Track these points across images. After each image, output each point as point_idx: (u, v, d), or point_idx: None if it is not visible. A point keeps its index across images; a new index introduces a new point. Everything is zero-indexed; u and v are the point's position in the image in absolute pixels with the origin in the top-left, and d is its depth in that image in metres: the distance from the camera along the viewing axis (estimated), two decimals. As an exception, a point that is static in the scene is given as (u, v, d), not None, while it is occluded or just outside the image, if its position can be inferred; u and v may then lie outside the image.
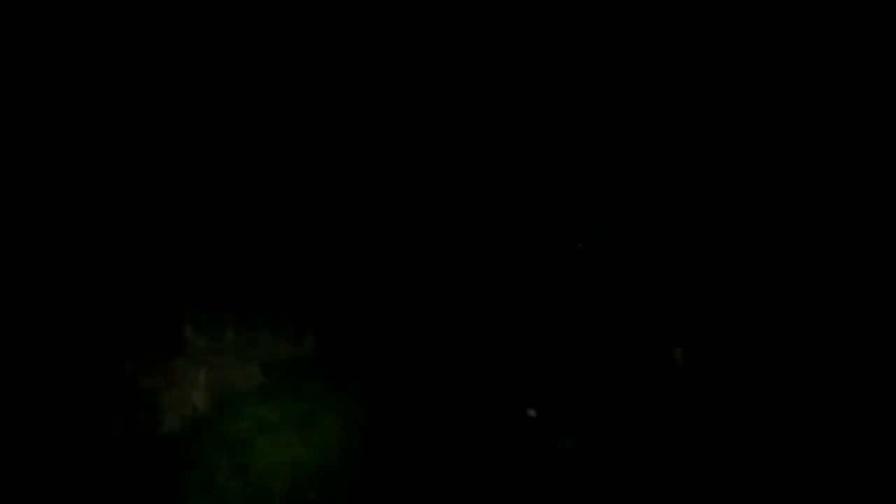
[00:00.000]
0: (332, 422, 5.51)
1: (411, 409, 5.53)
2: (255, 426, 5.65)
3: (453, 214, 5.75)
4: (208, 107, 5.88)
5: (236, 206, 5.79)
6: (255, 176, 5.84)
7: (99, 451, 5.43)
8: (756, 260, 5.45)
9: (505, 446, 5.40)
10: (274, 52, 5.88)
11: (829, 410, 5.17)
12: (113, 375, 5.47)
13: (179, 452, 5.55)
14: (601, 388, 5.42)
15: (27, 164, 5.75)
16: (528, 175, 5.74)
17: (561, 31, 5.78)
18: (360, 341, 5.68)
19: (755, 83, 5.64)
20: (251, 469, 5.55)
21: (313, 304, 5.74)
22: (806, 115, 5.58)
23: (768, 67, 5.63)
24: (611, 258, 5.60)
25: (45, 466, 5.27)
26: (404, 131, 5.83)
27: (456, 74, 5.81)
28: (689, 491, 5.15)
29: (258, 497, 5.48)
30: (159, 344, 5.61)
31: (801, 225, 5.47)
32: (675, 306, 5.48)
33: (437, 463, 5.41)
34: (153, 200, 5.79)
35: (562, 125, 5.74)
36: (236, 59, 5.87)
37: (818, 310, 5.32)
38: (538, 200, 5.72)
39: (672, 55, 5.64)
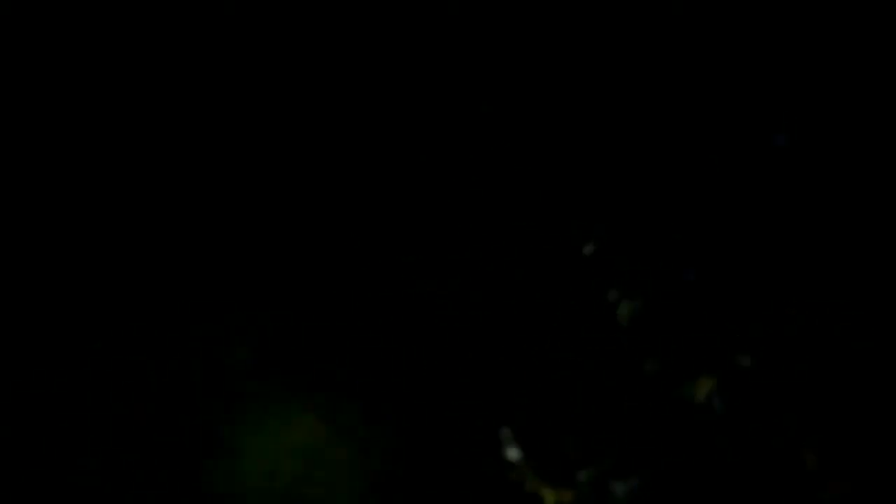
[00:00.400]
0: (302, 426, 5.29)
1: (398, 412, 5.44)
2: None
3: (453, 214, 5.73)
4: (202, 105, 5.88)
5: (223, 204, 5.76)
6: (244, 172, 5.82)
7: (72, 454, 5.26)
8: (768, 263, 5.43)
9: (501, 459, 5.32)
10: (271, 51, 5.90)
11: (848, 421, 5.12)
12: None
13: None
14: (603, 402, 5.34)
15: (21, 165, 5.74)
16: (528, 175, 5.73)
17: (561, 31, 5.80)
18: (338, 339, 5.58)
19: (754, 86, 5.65)
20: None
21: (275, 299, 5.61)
22: (805, 117, 5.60)
23: (768, 68, 5.64)
24: (612, 259, 5.59)
25: (38, 466, 5.17)
26: (404, 131, 5.83)
27: (456, 74, 5.82)
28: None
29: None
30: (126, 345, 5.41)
31: (809, 227, 5.47)
32: (679, 309, 5.45)
33: (427, 470, 5.32)
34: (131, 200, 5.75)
35: (562, 125, 5.75)
36: (233, 60, 5.88)
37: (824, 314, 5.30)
38: (538, 200, 5.71)
39: (675, 52, 5.66)
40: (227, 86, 5.74)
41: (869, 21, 5.46)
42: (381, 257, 5.67)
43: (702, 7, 5.63)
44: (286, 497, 5.22)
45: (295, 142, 5.81)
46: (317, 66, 5.83)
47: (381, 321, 5.48)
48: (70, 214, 5.62)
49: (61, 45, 5.89)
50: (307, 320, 5.55)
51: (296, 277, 5.61)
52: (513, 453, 5.06)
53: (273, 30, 5.88)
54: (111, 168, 5.69)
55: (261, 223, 5.82)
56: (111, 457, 5.30)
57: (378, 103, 5.83)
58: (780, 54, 5.53)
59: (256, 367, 5.51)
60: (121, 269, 5.52)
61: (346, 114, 5.78)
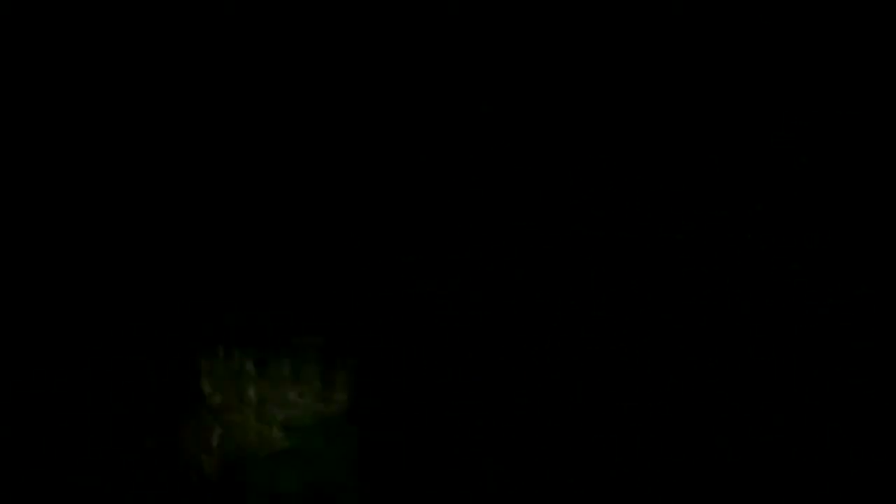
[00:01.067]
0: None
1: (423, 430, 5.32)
2: (267, 496, 5.13)
3: (453, 214, 5.73)
4: (202, 107, 5.87)
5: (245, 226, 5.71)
6: (244, 172, 5.80)
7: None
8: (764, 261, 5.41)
9: (507, 452, 5.31)
10: (273, 52, 5.89)
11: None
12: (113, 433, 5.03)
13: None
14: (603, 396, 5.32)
15: (22, 166, 5.73)
16: (529, 174, 5.72)
17: (561, 32, 5.79)
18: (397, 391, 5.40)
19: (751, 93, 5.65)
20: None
21: (347, 351, 5.40)
22: (803, 119, 5.59)
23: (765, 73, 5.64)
24: (611, 260, 5.58)
25: None
26: (404, 131, 5.82)
27: (456, 74, 5.81)
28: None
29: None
30: (169, 400, 5.09)
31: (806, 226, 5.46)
32: (679, 308, 5.44)
33: (439, 470, 5.30)
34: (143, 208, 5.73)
35: (562, 125, 5.74)
36: (236, 60, 5.87)
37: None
38: (538, 200, 5.70)
39: (675, 53, 5.65)
40: (227, 86, 5.73)
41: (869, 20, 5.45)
42: (382, 257, 5.67)
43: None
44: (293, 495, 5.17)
45: (295, 142, 5.81)
46: (317, 66, 5.82)
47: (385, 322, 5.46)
48: (70, 215, 5.61)
49: (61, 45, 5.88)
50: (308, 319, 5.53)
51: (297, 277, 5.60)
52: None
53: (273, 30, 5.88)
54: (113, 168, 5.69)
55: (262, 223, 5.81)
56: (111, 457, 5.27)
57: (378, 104, 5.82)
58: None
59: (258, 366, 5.48)
60: (122, 270, 5.51)
61: (347, 114, 5.77)
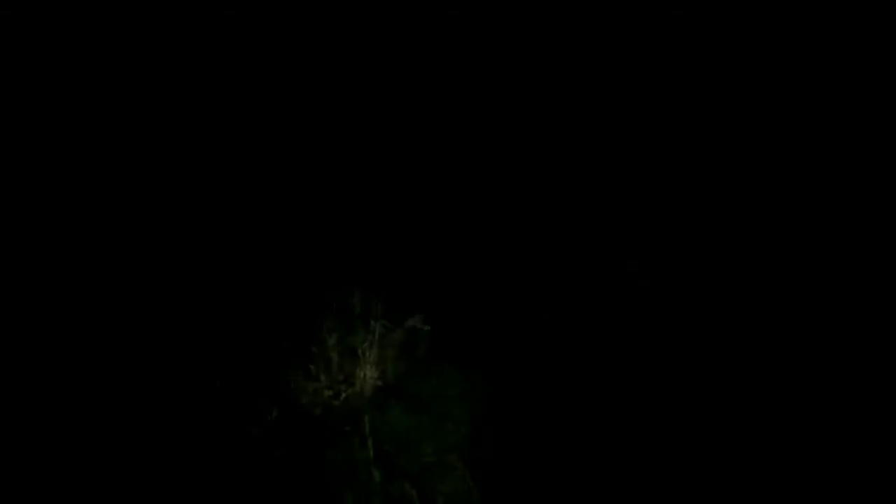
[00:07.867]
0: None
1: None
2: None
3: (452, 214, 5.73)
4: (206, 109, 5.88)
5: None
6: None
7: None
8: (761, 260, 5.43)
9: None
10: (272, 52, 5.88)
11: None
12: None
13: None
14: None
15: (28, 167, 5.75)
16: (529, 175, 5.74)
17: (561, 32, 5.78)
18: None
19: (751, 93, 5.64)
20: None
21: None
22: (802, 119, 5.60)
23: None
24: (609, 258, 5.61)
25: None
26: (404, 131, 5.83)
27: (456, 74, 5.81)
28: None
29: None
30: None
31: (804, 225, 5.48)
32: (681, 308, 5.46)
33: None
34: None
35: (563, 125, 5.76)
36: (238, 61, 5.86)
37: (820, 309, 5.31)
38: (539, 200, 5.73)
39: (675, 55, 5.64)
40: (239, 88, 5.71)
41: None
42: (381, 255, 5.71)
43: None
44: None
45: (312, 146, 5.82)
46: (321, 71, 5.80)
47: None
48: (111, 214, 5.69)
49: (61, 46, 5.90)
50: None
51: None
52: None
53: (273, 30, 5.87)
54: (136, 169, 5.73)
55: (260, 222, 5.84)
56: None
57: (380, 104, 5.82)
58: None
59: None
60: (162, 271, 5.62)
61: (352, 116, 5.77)
